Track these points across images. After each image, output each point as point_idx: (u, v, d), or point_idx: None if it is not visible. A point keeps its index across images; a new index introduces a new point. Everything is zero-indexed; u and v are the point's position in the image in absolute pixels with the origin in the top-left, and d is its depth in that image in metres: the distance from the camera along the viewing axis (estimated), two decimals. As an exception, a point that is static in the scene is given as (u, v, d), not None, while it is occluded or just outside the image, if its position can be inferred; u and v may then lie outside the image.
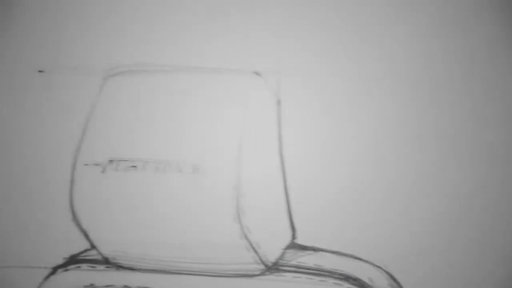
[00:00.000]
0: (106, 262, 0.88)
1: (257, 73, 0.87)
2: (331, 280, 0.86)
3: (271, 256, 0.86)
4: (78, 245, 0.89)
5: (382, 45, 0.88)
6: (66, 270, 0.89)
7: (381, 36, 0.88)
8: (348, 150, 0.88)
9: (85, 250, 0.89)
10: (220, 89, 0.86)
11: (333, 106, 0.88)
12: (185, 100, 0.86)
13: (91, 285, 0.88)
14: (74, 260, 0.90)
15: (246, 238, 0.83)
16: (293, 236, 0.88)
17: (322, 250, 0.88)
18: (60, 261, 0.90)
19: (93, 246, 0.87)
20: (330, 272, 0.87)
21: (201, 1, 0.91)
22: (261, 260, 0.85)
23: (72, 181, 0.86)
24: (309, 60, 0.89)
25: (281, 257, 0.88)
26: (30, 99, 0.91)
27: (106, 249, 0.87)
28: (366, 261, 0.88)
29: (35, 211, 0.90)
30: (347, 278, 0.86)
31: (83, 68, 0.90)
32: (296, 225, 0.88)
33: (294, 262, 0.88)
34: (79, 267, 0.89)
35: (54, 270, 0.90)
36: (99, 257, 0.88)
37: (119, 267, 0.88)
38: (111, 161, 0.85)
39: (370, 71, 0.88)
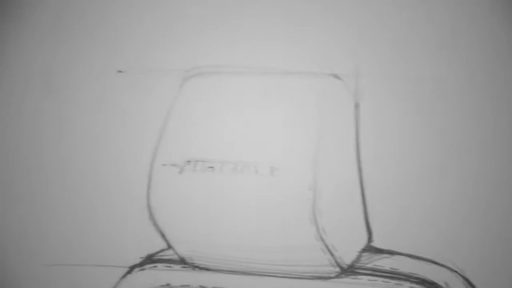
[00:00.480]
0: (182, 262, 0.88)
1: (336, 76, 0.87)
2: (407, 284, 0.85)
3: (347, 258, 0.86)
4: (155, 245, 0.89)
5: (465, 48, 0.88)
6: (143, 269, 0.90)
7: (465, 38, 0.88)
8: (427, 153, 0.87)
9: (162, 250, 0.90)
10: (298, 91, 0.85)
11: (412, 109, 0.87)
12: (263, 102, 0.86)
13: (167, 284, 0.88)
14: (150, 260, 0.90)
15: (322, 240, 0.83)
16: (369, 239, 0.88)
17: (398, 253, 0.88)
18: (137, 260, 0.91)
19: (169, 246, 0.88)
20: (406, 275, 0.86)
21: (278, 5, 0.91)
22: (336, 262, 0.84)
23: (149, 181, 0.87)
24: (388, 62, 0.88)
25: (357, 259, 0.87)
26: (109, 99, 0.92)
27: (183, 249, 0.87)
28: (442, 265, 0.87)
29: (113, 211, 0.91)
30: (423, 282, 0.85)
31: (162, 69, 0.91)
32: (373, 228, 0.87)
33: (370, 265, 0.87)
34: (155, 266, 0.90)
35: (131, 269, 0.90)
36: (175, 257, 0.89)
37: (195, 267, 0.88)
38: (188, 161, 0.85)
39: (449, 73, 0.87)
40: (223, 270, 0.87)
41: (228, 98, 0.86)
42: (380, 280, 0.86)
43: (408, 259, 0.87)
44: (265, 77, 0.87)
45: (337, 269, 0.85)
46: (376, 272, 0.86)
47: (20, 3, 0.96)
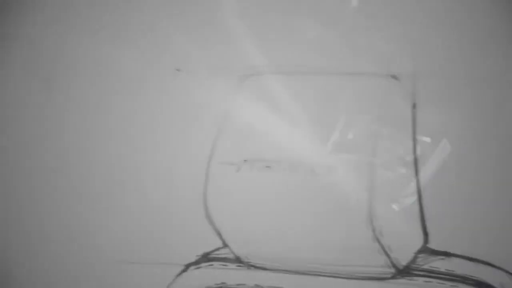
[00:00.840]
0: (238, 261, 0.89)
1: (393, 77, 0.87)
2: (463, 286, 0.85)
3: (403, 259, 0.85)
4: (211, 243, 0.89)
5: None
6: (198, 267, 0.90)
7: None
8: (484, 155, 0.86)
9: (218, 249, 0.90)
10: (356, 92, 0.85)
11: (469, 109, 0.87)
12: (321, 102, 0.86)
13: (223, 283, 0.89)
14: (206, 258, 0.91)
15: (378, 241, 0.83)
16: (426, 241, 0.87)
17: (454, 255, 0.87)
18: (193, 258, 0.91)
19: (225, 245, 0.88)
20: (461, 277, 0.86)
21: (336, 6, 0.90)
22: (392, 263, 0.84)
23: (206, 179, 0.87)
24: (446, 63, 0.88)
25: (413, 261, 0.87)
26: (167, 98, 0.92)
27: (238, 248, 0.88)
28: (498, 267, 0.86)
29: (170, 209, 0.91)
30: (478, 284, 0.85)
31: (221, 67, 0.91)
32: (429, 229, 0.87)
33: (425, 267, 0.87)
34: (211, 265, 0.90)
35: (187, 267, 0.91)
36: (231, 256, 0.89)
37: (251, 266, 0.88)
38: (245, 160, 0.86)
39: (507, 73, 0.87)
40: (278, 270, 0.87)
41: (286, 97, 0.86)
42: (435, 281, 0.85)
43: (463, 261, 0.87)
44: (323, 78, 0.87)
45: (393, 270, 0.85)
46: (432, 274, 0.86)
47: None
